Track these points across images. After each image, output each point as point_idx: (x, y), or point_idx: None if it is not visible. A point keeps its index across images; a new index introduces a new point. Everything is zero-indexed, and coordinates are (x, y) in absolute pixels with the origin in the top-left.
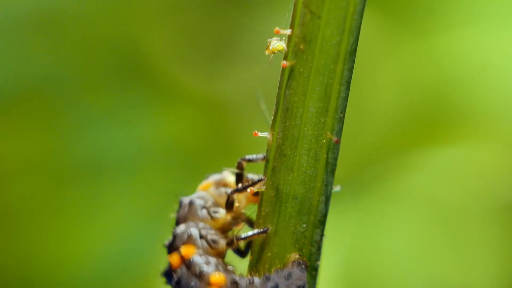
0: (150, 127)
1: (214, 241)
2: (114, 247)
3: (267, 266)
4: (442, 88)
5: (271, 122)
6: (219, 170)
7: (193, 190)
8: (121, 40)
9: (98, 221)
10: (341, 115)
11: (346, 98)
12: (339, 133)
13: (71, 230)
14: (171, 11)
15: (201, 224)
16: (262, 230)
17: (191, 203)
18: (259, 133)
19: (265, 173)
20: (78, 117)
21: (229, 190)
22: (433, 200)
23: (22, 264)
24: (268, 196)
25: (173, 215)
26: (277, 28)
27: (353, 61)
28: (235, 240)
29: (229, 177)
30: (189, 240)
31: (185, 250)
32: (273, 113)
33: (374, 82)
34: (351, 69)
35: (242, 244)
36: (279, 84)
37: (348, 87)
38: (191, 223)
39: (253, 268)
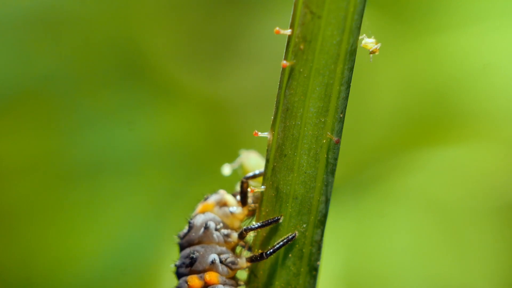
0: (150, 127)
1: (233, 263)
2: (114, 247)
3: (268, 265)
4: (442, 88)
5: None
6: (217, 173)
7: (193, 191)
8: (122, 40)
9: (98, 221)
10: (341, 115)
11: (346, 98)
12: (339, 133)
13: (71, 230)
14: (171, 11)
15: (219, 249)
16: (289, 237)
17: (206, 227)
18: (259, 133)
19: (265, 174)
20: (78, 117)
21: (233, 209)
22: (433, 200)
23: (22, 264)
24: (268, 196)
25: (176, 237)
26: (277, 28)
27: (353, 61)
28: (264, 255)
29: (227, 195)
30: (212, 266)
31: (209, 277)
32: (273, 113)
33: (374, 82)
34: (351, 69)
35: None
36: (279, 84)
37: (348, 87)
38: (209, 248)
39: (254, 268)
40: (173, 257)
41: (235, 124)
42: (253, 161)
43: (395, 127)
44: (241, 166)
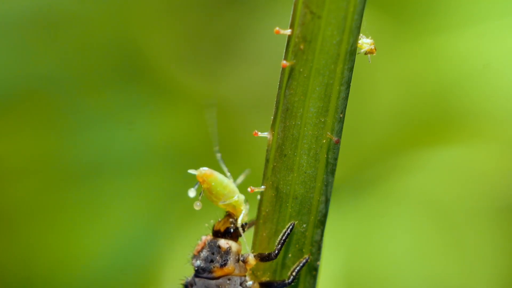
0: (150, 127)
1: None
2: (114, 247)
3: (268, 265)
4: (442, 88)
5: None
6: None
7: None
8: (121, 41)
9: (98, 222)
10: (341, 115)
11: (346, 98)
12: (339, 133)
13: (71, 230)
14: (171, 12)
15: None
16: (305, 260)
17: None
18: (259, 133)
19: (265, 174)
20: (78, 117)
21: (228, 247)
22: (433, 200)
23: (22, 264)
24: (268, 196)
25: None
26: (277, 28)
27: (353, 61)
28: (291, 277)
29: (221, 241)
30: None
31: None
32: (273, 113)
33: (374, 82)
34: (351, 69)
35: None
36: (279, 84)
37: (348, 87)
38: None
39: (254, 268)
40: (173, 257)
41: (235, 124)
42: (211, 179)
43: (395, 127)
44: (201, 187)
